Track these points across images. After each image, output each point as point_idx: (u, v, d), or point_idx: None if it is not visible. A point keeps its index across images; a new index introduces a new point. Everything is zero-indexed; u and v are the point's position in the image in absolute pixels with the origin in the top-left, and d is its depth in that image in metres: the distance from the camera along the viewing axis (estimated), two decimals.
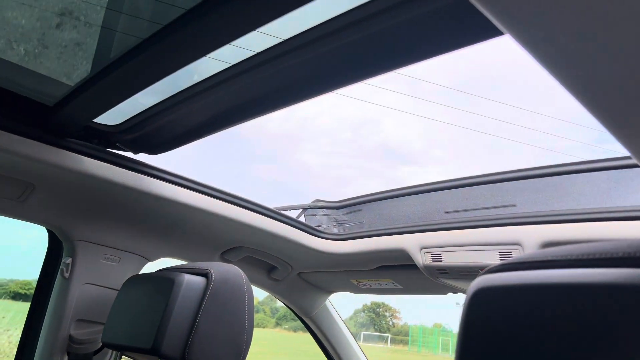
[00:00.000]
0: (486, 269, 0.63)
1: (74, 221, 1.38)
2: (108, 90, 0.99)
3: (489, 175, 1.41)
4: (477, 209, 1.41)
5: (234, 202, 1.48)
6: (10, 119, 1.11)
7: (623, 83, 0.47)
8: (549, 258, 0.54)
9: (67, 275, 1.41)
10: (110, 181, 1.24)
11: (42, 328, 1.44)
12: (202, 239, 1.59)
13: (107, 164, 1.23)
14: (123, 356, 1.40)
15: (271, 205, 1.57)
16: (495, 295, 0.60)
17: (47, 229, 1.47)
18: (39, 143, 1.13)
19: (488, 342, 0.54)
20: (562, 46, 0.44)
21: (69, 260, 1.42)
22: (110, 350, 1.45)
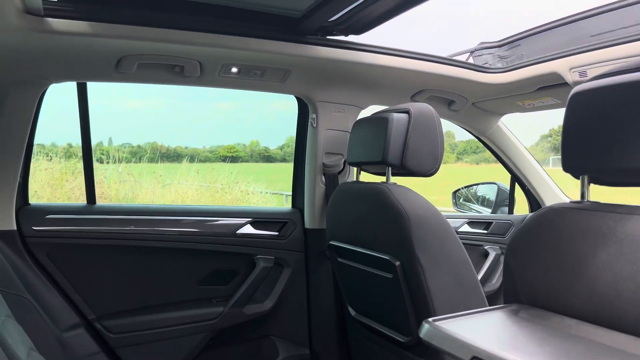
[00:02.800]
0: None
1: (315, 89, 2.07)
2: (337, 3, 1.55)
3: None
4: (617, 29, 1.71)
5: (416, 57, 2.00)
6: (272, 31, 1.76)
7: None
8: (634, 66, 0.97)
9: (314, 125, 2.15)
10: (336, 59, 1.86)
11: (305, 162, 2.24)
12: (397, 88, 2.16)
13: (332, 47, 1.84)
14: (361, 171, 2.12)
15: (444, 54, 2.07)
16: (587, 96, 1.05)
17: (297, 97, 2.20)
18: (291, 43, 1.78)
19: (583, 136, 1.00)
20: None
21: (314, 116, 2.14)
22: (350, 168, 2.20)
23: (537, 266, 1.11)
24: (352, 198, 1.88)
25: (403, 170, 1.74)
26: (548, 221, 1.09)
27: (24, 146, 1.83)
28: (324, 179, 2.20)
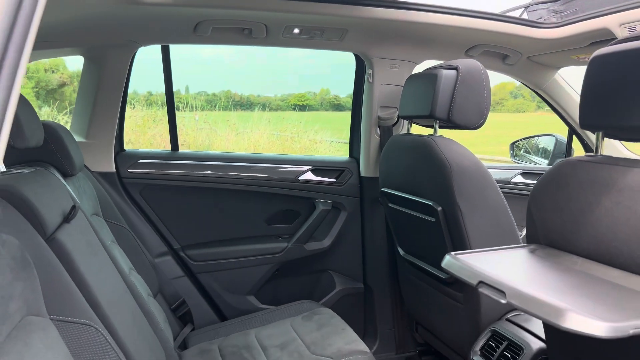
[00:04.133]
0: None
1: (371, 47, 2.22)
2: None
3: None
4: None
5: (469, 15, 2.08)
6: None
7: None
8: None
9: (370, 80, 2.31)
10: (390, 19, 2.00)
11: (362, 113, 2.42)
12: (451, 43, 2.26)
13: (386, 8, 1.97)
14: (412, 124, 2.27)
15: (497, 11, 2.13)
16: (606, 59, 1.16)
17: (355, 54, 2.36)
18: (348, 5, 1.93)
19: (600, 96, 1.11)
20: None
21: (370, 71, 2.30)
22: (402, 121, 2.36)
23: (552, 212, 1.26)
24: (402, 149, 2.06)
25: (450, 123, 1.88)
26: (563, 172, 1.23)
27: (120, 100, 2.14)
28: (378, 131, 2.38)
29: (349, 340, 1.88)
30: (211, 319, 2.27)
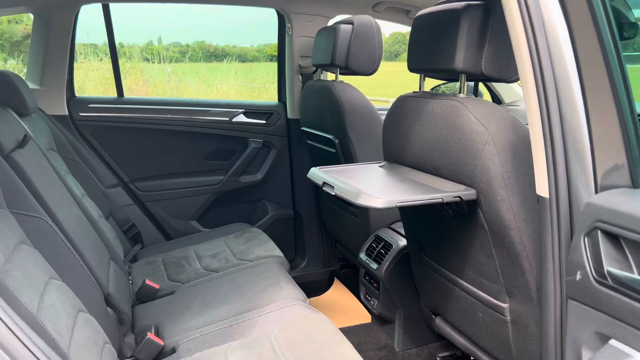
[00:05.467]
0: None
1: (289, 3, 2.57)
2: None
3: None
4: None
5: None
6: None
7: None
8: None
9: (290, 33, 2.66)
10: None
11: (285, 63, 2.77)
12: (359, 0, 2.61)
13: None
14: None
15: None
16: (423, 18, 1.54)
17: (276, 10, 2.70)
18: None
19: (419, 47, 1.48)
20: None
21: (289, 25, 2.65)
22: (320, 69, 2.73)
23: (392, 135, 1.67)
24: (313, 93, 2.44)
25: (348, 70, 2.26)
26: (397, 105, 1.64)
27: (67, 52, 2.46)
28: (300, 78, 2.75)
29: (268, 249, 2.32)
30: (159, 240, 2.69)
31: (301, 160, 2.85)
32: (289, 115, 2.84)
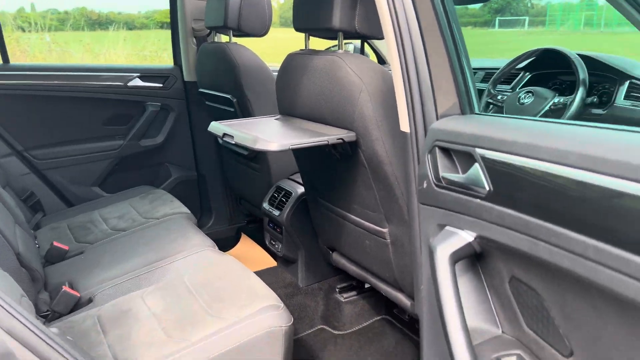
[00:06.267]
0: None
1: None
2: None
3: None
4: None
5: None
6: None
7: None
8: None
9: None
10: None
11: (179, 28, 2.82)
12: None
13: None
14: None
15: None
16: None
17: None
18: None
19: (304, 8, 1.64)
20: None
21: None
22: (214, 31, 2.82)
23: (285, 90, 1.85)
24: (208, 55, 2.53)
25: (241, 32, 2.38)
26: (287, 62, 1.81)
27: None
28: (195, 41, 2.82)
29: (174, 207, 2.43)
30: (61, 207, 2.68)
31: (201, 122, 2.94)
32: (186, 78, 2.90)
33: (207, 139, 2.97)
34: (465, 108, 1.06)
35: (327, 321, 2.28)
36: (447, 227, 0.96)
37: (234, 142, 1.58)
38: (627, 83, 2.08)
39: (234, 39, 2.46)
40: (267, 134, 1.61)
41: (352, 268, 2.04)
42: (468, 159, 0.91)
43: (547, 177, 0.69)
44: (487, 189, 0.83)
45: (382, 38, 1.61)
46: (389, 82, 1.50)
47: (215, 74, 2.46)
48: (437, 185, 1.00)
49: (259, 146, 1.45)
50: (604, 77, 2.19)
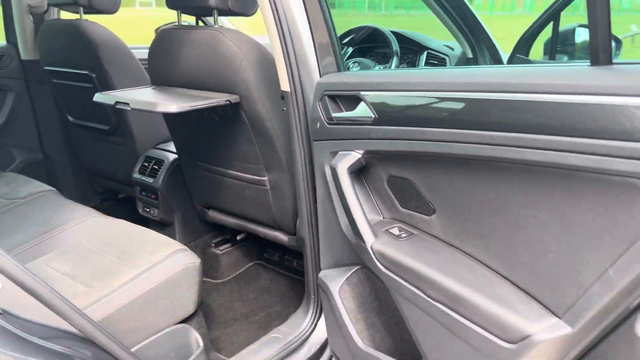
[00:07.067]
0: None
1: None
2: None
3: None
4: None
5: None
6: None
7: None
8: None
9: None
10: None
11: (12, 2, 2.70)
12: None
13: None
14: None
15: None
16: None
17: None
18: None
19: None
20: None
21: None
22: (52, 8, 2.77)
23: (159, 61, 2.03)
24: (56, 32, 2.52)
25: (92, 9, 2.43)
26: (161, 37, 2.00)
27: None
28: (32, 18, 2.73)
29: (37, 186, 2.40)
30: None
31: (44, 101, 2.87)
32: (23, 57, 2.80)
33: (52, 119, 2.91)
34: (340, 67, 1.44)
35: (207, 274, 2.54)
36: (340, 152, 1.34)
37: (130, 109, 1.74)
38: (425, 52, 2.72)
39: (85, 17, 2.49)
40: (160, 99, 1.81)
41: (230, 220, 2.33)
42: (353, 100, 1.29)
43: (412, 100, 1.10)
44: (373, 116, 1.22)
45: (250, 15, 1.92)
46: (264, 52, 1.82)
47: (68, 51, 2.47)
48: (329, 123, 1.36)
49: (160, 109, 1.66)
50: (407, 49, 2.80)
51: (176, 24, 2.03)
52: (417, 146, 1.09)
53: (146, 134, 2.56)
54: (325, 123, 1.38)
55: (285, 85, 1.64)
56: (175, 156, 2.43)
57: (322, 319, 1.88)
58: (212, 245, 2.58)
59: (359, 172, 1.34)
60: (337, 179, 1.30)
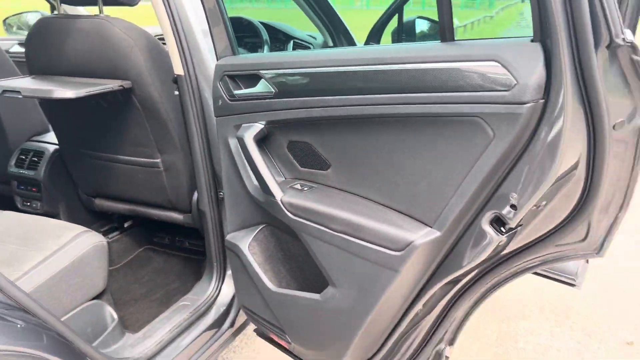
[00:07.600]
0: None
1: None
2: None
3: None
4: None
5: None
6: None
7: None
8: None
9: None
10: None
11: None
12: None
13: None
14: None
15: None
16: None
17: None
18: None
19: None
20: None
21: None
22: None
23: (39, 50, 2.03)
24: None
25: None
26: (42, 26, 2.00)
27: None
28: None
29: None
30: None
31: None
32: None
33: None
34: (235, 51, 1.64)
35: None
36: (244, 125, 1.54)
37: (22, 96, 1.75)
38: (291, 41, 3.00)
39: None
40: (52, 86, 1.83)
41: (120, 206, 2.39)
42: (253, 79, 1.50)
43: (307, 74, 1.35)
44: (274, 91, 1.44)
45: (134, 4, 2.02)
46: (152, 39, 1.94)
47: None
48: (231, 100, 1.55)
49: (58, 95, 1.70)
50: (275, 38, 3.06)
51: (57, 13, 2.04)
52: (314, 112, 1.34)
53: (17, 127, 2.48)
54: (227, 100, 1.57)
55: (178, 69, 1.79)
56: (56, 147, 2.40)
57: (225, 283, 2.08)
58: (101, 233, 2.60)
59: (260, 141, 1.55)
60: (245, 148, 1.50)
